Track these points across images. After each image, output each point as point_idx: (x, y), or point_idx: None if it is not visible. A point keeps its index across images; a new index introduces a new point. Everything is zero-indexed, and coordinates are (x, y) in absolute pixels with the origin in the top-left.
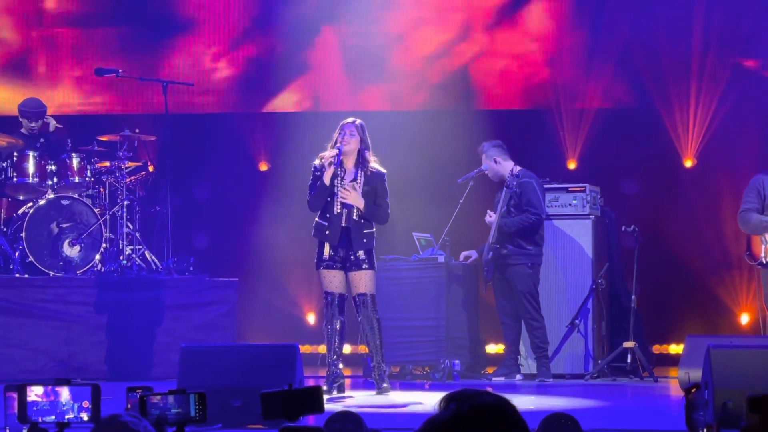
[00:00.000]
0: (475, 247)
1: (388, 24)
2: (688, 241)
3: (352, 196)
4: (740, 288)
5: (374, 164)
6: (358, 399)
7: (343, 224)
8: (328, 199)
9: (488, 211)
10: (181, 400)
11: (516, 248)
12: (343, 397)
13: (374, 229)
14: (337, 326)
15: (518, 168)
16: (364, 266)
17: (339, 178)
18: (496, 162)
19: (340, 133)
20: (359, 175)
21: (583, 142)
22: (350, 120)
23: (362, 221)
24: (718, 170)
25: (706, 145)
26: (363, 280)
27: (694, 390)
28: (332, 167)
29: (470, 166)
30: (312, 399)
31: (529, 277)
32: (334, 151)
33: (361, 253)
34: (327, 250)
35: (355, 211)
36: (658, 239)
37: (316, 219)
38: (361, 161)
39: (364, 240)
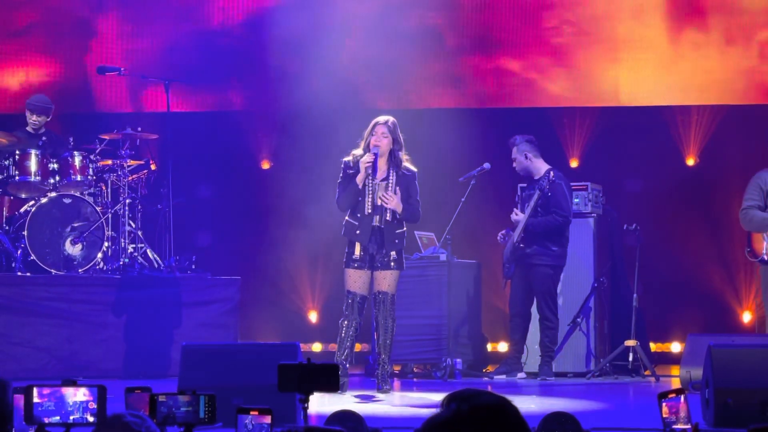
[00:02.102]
0: (477, 246)
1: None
2: (690, 240)
3: (393, 201)
4: (742, 287)
5: (406, 163)
6: (360, 397)
7: (375, 224)
8: (359, 198)
9: (514, 209)
10: (190, 401)
11: (541, 248)
12: (373, 396)
13: (405, 229)
14: (353, 327)
15: (554, 171)
16: (393, 265)
17: (370, 177)
18: (526, 157)
19: (372, 134)
20: (391, 174)
21: (586, 140)
22: (383, 119)
23: (394, 221)
24: (721, 168)
25: (708, 143)
26: (387, 279)
27: (671, 395)
28: (366, 172)
29: (472, 165)
30: (328, 377)
31: (550, 277)
32: (371, 157)
33: (393, 254)
34: (358, 250)
35: (388, 211)
36: (660, 238)
37: (347, 218)
38: (394, 161)
39: (396, 240)
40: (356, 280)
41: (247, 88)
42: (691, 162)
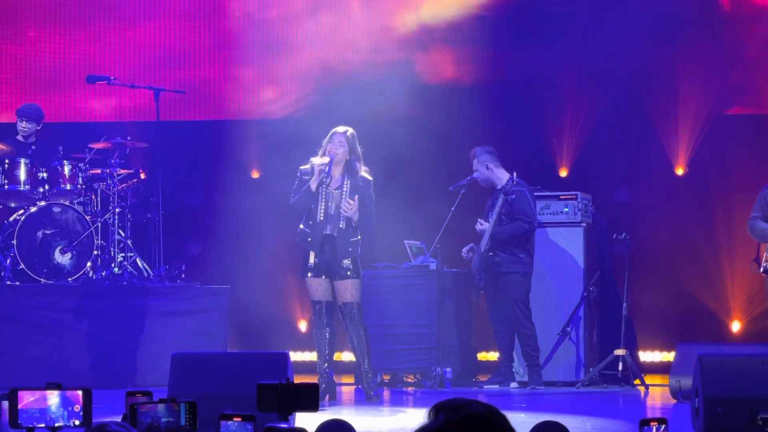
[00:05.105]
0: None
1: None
2: (680, 249)
3: (352, 209)
4: (731, 296)
5: (363, 173)
6: (350, 407)
7: (327, 232)
8: (312, 206)
9: (479, 219)
10: (171, 408)
11: (509, 256)
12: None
13: (359, 237)
14: (327, 335)
15: (516, 178)
16: (350, 274)
17: (324, 185)
18: (487, 168)
19: (330, 142)
20: (345, 183)
21: (575, 149)
22: (342, 129)
23: (349, 230)
24: (709, 178)
25: (697, 152)
26: (349, 290)
27: (653, 423)
28: (321, 175)
29: (462, 174)
30: (307, 396)
31: (521, 285)
32: (326, 159)
33: (346, 262)
34: (311, 258)
35: (342, 219)
36: (649, 247)
37: (300, 226)
38: (349, 170)
39: (350, 249)
40: (317, 288)
41: (238, 97)
42: (680, 171)
